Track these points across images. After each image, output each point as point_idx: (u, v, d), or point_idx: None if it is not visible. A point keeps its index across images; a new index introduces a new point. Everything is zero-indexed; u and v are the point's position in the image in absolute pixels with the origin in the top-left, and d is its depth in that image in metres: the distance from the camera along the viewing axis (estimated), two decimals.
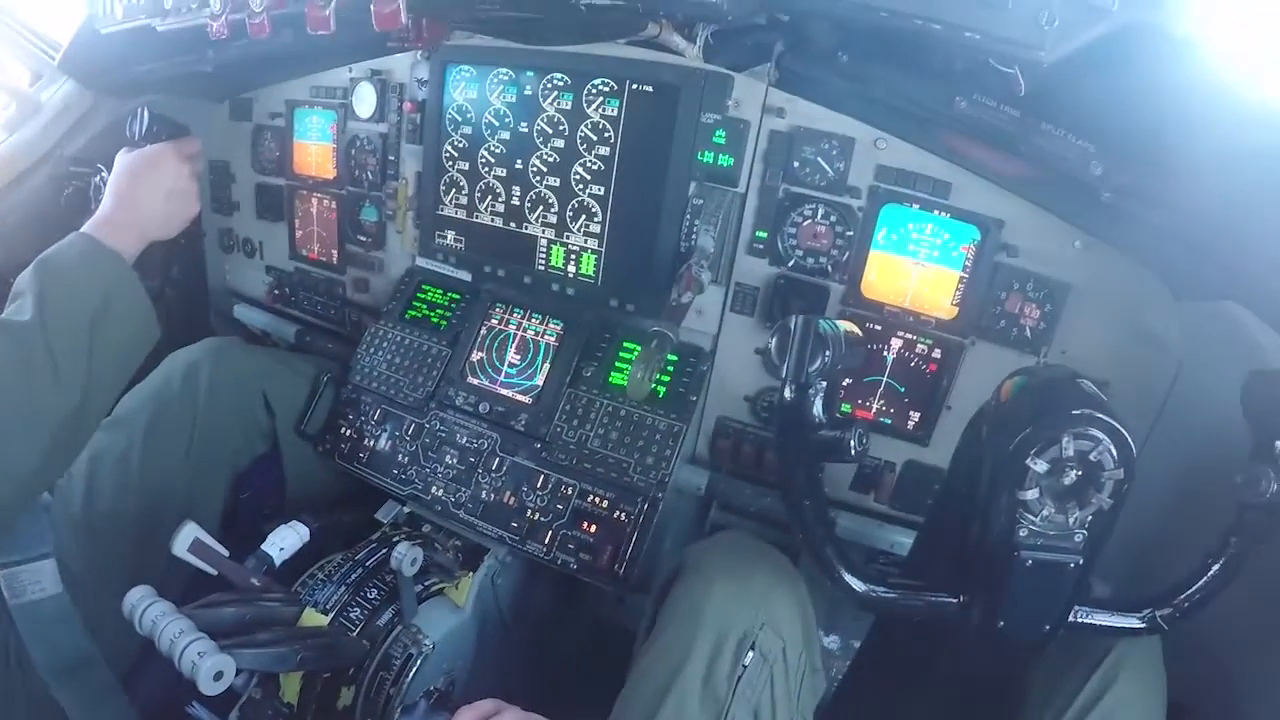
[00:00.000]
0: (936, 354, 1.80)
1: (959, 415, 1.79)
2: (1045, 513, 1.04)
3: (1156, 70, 1.21)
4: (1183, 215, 1.37)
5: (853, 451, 1.22)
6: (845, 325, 1.29)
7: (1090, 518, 1.05)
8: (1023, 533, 1.06)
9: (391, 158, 2.29)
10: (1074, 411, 1.00)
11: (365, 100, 2.29)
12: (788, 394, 1.25)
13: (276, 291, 2.68)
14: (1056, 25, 1.11)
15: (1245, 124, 1.16)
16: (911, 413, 1.86)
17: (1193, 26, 1.10)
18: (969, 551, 1.15)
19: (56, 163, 2.32)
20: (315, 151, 2.47)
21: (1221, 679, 1.45)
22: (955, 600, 1.18)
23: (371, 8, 1.53)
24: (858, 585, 1.21)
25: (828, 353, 1.21)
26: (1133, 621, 1.20)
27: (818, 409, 1.24)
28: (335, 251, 2.51)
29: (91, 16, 2.11)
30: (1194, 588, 1.18)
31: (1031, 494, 1.04)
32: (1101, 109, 1.37)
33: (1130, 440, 1.01)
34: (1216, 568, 1.17)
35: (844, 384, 1.88)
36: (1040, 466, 1.01)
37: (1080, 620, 1.17)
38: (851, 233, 1.80)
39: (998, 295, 1.71)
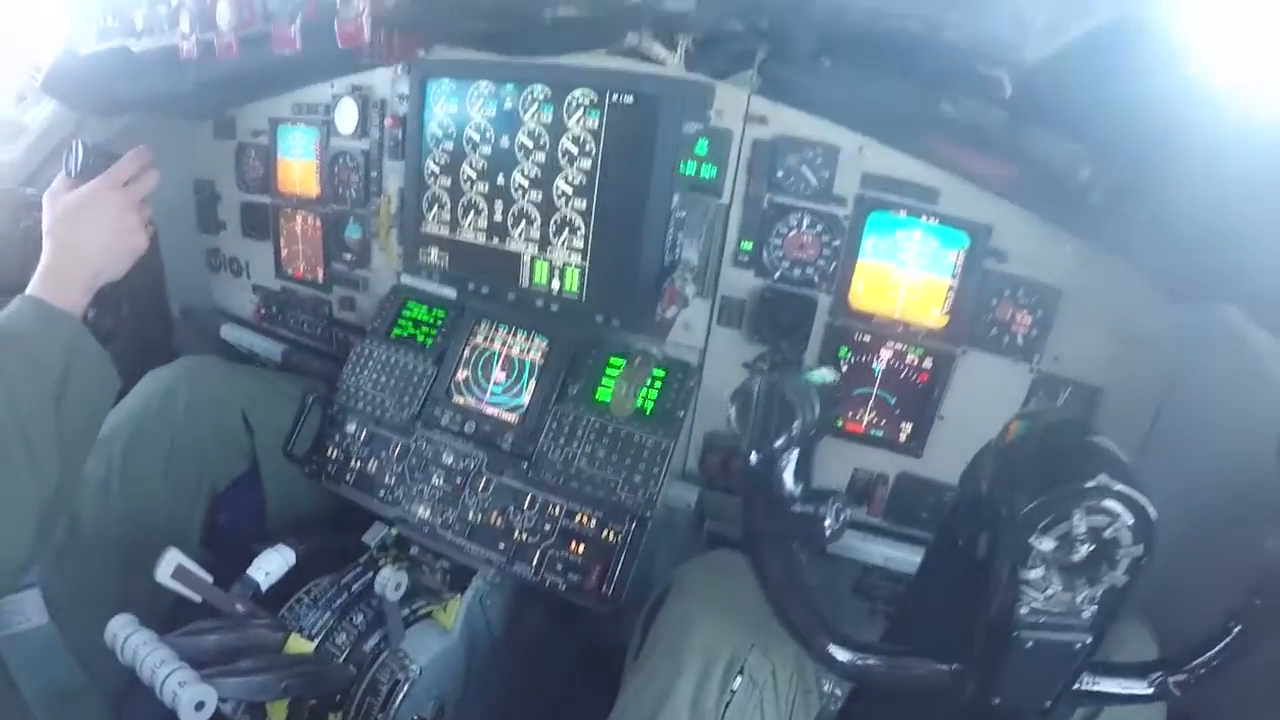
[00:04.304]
0: (927, 364, 1.65)
1: (952, 425, 1.66)
2: (1050, 591, 0.84)
3: (1144, 68, 1.05)
4: (1174, 216, 1.22)
5: (828, 533, 1.00)
6: (822, 373, 1.09)
7: (1101, 593, 0.85)
8: (1024, 610, 0.86)
9: (374, 174, 2.11)
10: (1087, 485, 0.79)
11: (347, 116, 2.10)
12: (752, 460, 1.02)
13: (263, 311, 2.51)
14: (1039, 23, 0.97)
15: (1235, 121, 1.00)
16: (903, 424, 1.70)
17: (1180, 23, 0.95)
18: (965, 617, 0.95)
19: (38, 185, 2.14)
20: (299, 169, 2.29)
21: (1224, 686, 1.28)
22: (948, 668, 0.99)
23: (335, 25, 1.41)
24: (841, 655, 1.00)
25: (796, 423, 0.99)
26: (1142, 688, 0.99)
27: (789, 480, 1.02)
28: (321, 270, 2.33)
29: (71, 38, 1.96)
30: (1212, 652, 0.97)
31: (1035, 573, 0.83)
32: (1089, 110, 1.22)
33: (1151, 511, 0.80)
34: (1237, 631, 0.96)
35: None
36: (1046, 545, 0.81)
37: (1086, 689, 0.98)
38: (838, 242, 1.65)
39: (988, 303, 1.57)
